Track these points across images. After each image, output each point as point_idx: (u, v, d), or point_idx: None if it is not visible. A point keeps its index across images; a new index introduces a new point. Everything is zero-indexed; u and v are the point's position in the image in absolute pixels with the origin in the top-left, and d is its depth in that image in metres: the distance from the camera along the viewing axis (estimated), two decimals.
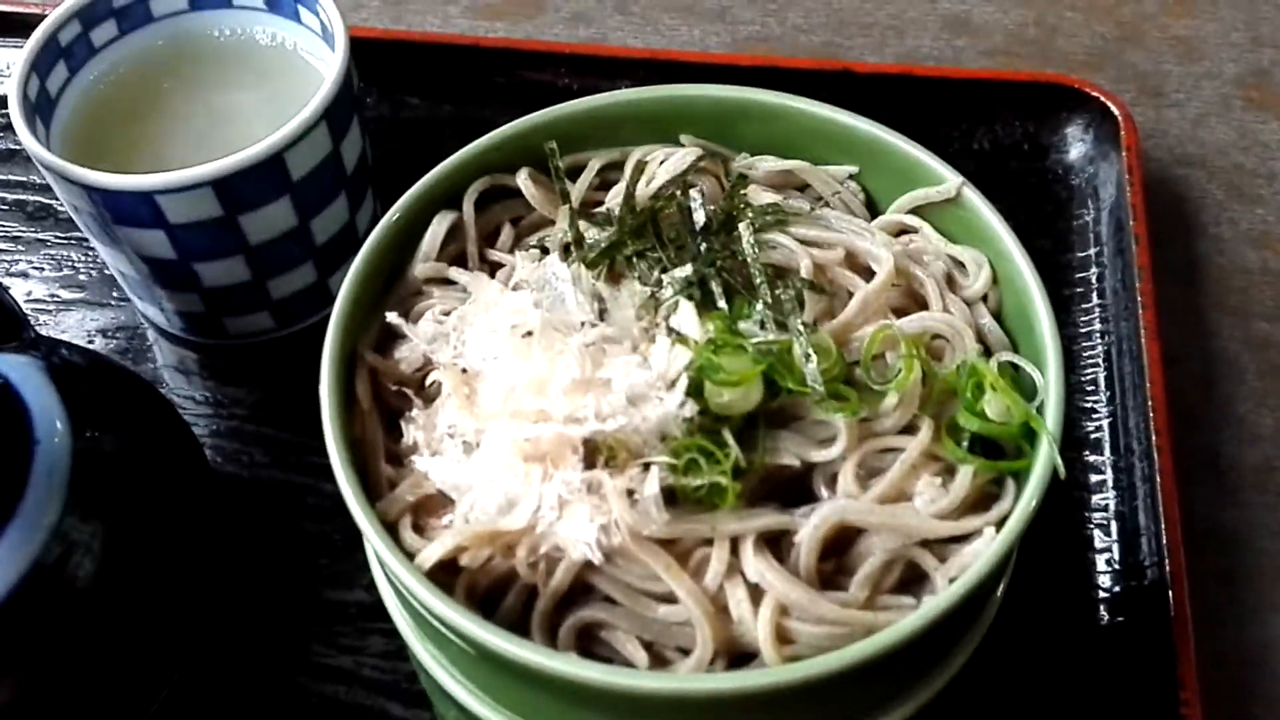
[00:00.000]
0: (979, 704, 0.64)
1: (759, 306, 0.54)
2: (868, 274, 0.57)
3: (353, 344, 0.56)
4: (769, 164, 0.62)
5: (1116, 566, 0.71)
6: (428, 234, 0.59)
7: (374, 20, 1.05)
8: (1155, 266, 0.79)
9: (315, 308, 0.81)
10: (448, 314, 0.56)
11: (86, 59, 0.79)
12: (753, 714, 0.49)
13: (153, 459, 0.65)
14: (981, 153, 0.90)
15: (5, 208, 0.91)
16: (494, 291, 0.56)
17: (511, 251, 0.60)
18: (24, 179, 0.92)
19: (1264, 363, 0.82)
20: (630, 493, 0.48)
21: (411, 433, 0.54)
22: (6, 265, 0.88)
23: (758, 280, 0.54)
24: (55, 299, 0.86)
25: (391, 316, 0.56)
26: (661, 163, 0.61)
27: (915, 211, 0.60)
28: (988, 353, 0.56)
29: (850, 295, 0.56)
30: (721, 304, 0.54)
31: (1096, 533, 0.73)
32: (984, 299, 0.58)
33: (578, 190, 0.60)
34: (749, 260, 0.55)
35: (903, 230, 0.60)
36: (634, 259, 0.56)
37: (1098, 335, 0.80)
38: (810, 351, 0.51)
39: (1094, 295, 0.82)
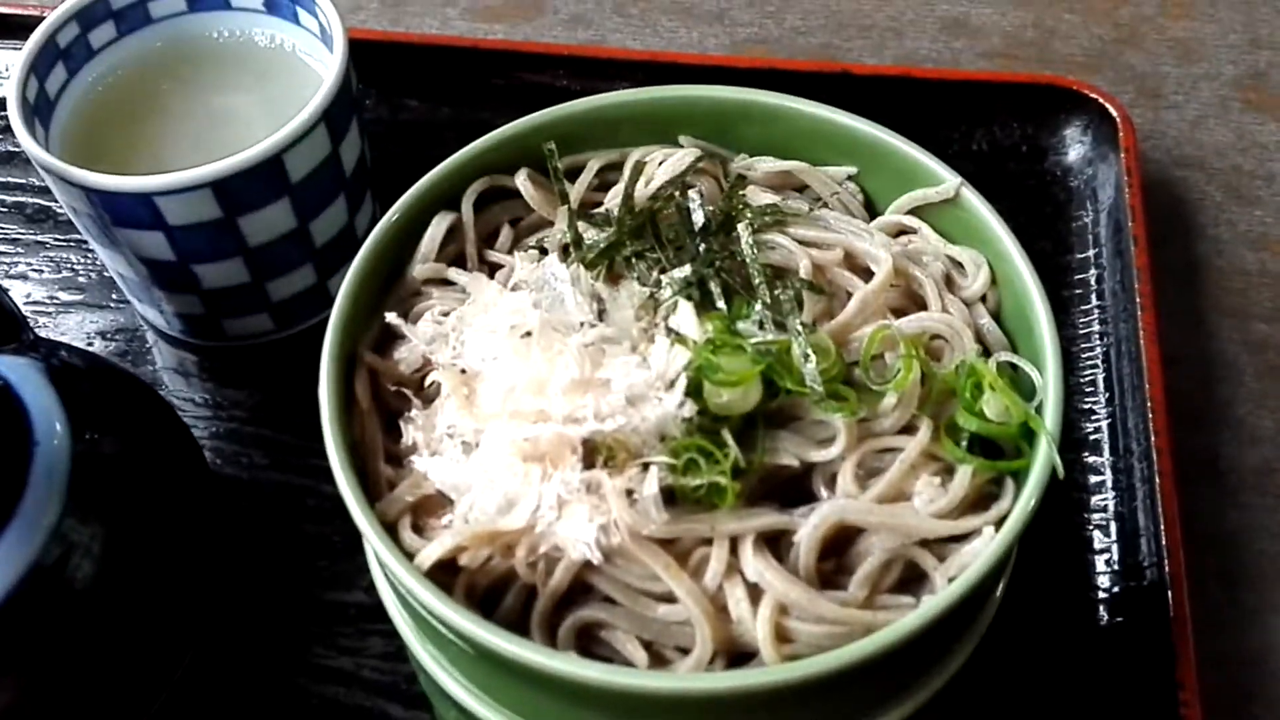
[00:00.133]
0: (978, 704, 0.64)
1: (758, 307, 0.54)
2: (866, 274, 0.57)
3: (352, 345, 0.56)
4: (768, 165, 0.62)
5: (1116, 567, 0.71)
6: (427, 235, 0.59)
7: (373, 22, 1.05)
8: (1154, 268, 0.79)
9: (314, 309, 0.81)
10: (447, 315, 0.56)
11: (85, 61, 0.79)
12: (752, 713, 0.49)
13: (152, 461, 0.65)
14: (980, 154, 0.90)
15: (4, 210, 0.91)
16: (493, 292, 0.56)
17: (510, 252, 0.60)
18: (23, 181, 0.92)
19: (1262, 364, 0.82)
20: (629, 493, 0.48)
21: (411, 433, 0.54)
22: (6, 267, 0.88)
23: (756, 281, 0.54)
24: (55, 301, 0.86)
25: (391, 317, 0.56)
26: (660, 163, 0.61)
27: (914, 212, 0.60)
28: (987, 353, 0.56)
29: (849, 296, 0.56)
30: (720, 304, 0.54)
31: (1096, 533, 0.73)
32: (983, 299, 0.58)
33: (576, 191, 0.60)
34: (748, 261, 0.55)
35: (902, 231, 0.60)
36: (633, 259, 0.56)
37: (1097, 336, 0.80)
38: (809, 352, 0.51)
39: (1093, 296, 0.82)
